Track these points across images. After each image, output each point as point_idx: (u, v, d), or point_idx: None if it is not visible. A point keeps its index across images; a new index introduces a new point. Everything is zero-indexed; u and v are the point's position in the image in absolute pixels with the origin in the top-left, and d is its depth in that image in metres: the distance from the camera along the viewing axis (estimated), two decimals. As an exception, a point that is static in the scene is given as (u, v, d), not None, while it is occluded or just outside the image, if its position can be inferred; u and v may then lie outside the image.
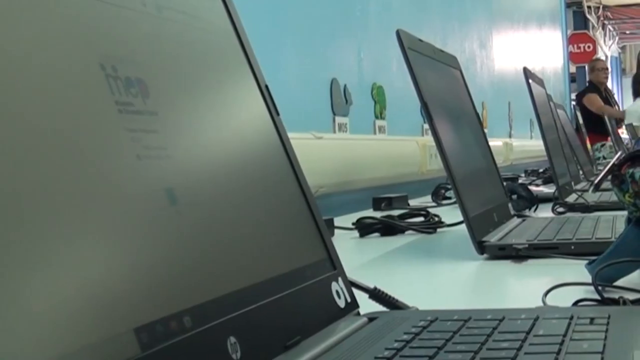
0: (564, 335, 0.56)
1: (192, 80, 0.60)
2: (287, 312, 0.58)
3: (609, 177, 0.90)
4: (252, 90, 0.69)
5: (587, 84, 7.36)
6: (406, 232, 1.61)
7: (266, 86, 0.71)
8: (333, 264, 0.69)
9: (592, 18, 11.84)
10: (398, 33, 1.18)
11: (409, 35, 1.23)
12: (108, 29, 0.52)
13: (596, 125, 6.56)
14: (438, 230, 1.62)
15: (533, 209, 1.89)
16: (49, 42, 0.45)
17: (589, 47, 10.62)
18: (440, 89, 1.37)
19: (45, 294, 0.38)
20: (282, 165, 0.69)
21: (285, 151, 0.70)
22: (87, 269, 0.41)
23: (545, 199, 2.04)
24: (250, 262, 0.57)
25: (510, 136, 5.35)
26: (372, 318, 0.67)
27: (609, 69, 7.21)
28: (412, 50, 1.21)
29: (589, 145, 5.79)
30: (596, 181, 0.93)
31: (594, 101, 6.87)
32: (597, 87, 6.98)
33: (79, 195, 0.42)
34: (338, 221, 1.68)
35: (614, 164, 0.88)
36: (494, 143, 3.99)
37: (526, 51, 6.35)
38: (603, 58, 13.47)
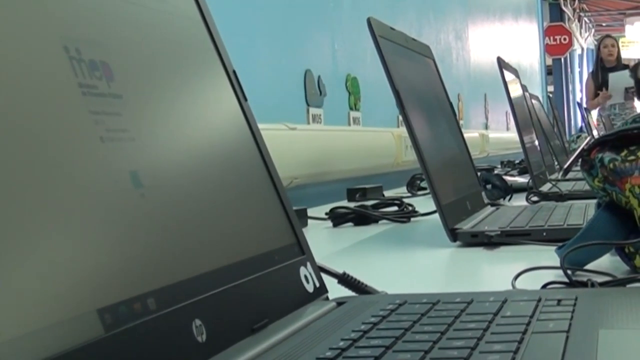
0: (531, 316, 0.56)
1: (157, 64, 0.59)
2: (255, 295, 0.58)
3: (579, 162, 0.90)
4: (220, 76, 0.69)
5: None
6: (380, 222, 1.61)
7: (234, 71, 0.70)
8: (302, 249, 0.69)
9: (568, 10, 11.87)
10: (369, 21, 1.18)
11: (381, 24, 1.23)
12: (72, 10, 0.51)
13: None
14: (412, 219, 1.62)
15: (507, 198, 1.90)
16: (11, 23, 0.45)
17: (564, 39, 10.64)
18: (413, 78, 1.37)
19: (6, 274, 0.37)
20: (249, 150, 0.69)
21: (253, 136, 0.69)
22: (50, 251, 0.41)
23: (519, 189, 2.05)
24: (217, 246, 0.56)
25: (486, 128, 5.36)
26: (340, 302, 0.67)
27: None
28: (383, 38, 1.21)
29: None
30: (565, 166, 0.94)
31: None
32: None
33: (42, 177, 0.42)
34: (312, 212, 1.68)
35: (583, 149, 0.89)
36: (470, 134, 4.00)
37: (502, 43, 6.37)
38: (579, 52, 13.46)
